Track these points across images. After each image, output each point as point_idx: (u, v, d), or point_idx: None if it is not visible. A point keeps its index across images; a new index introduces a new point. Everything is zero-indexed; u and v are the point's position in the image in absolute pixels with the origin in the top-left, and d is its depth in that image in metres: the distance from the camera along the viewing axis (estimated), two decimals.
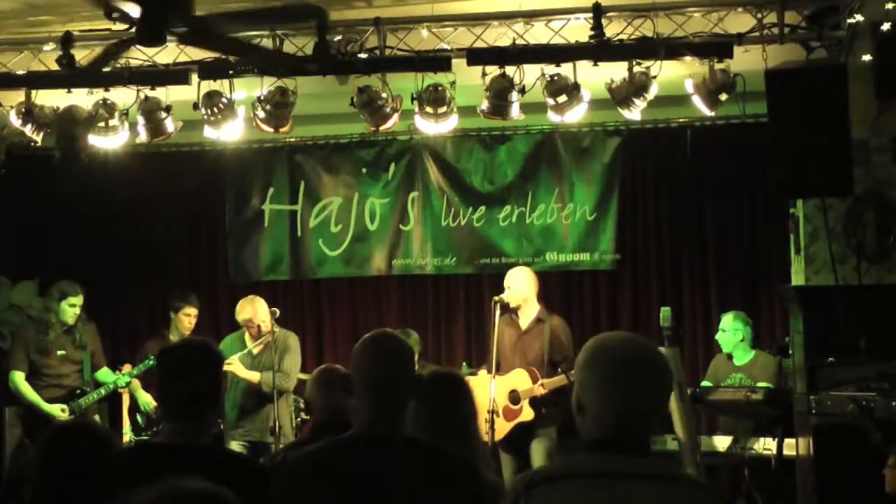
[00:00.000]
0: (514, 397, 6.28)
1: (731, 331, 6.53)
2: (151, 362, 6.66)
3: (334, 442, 2.65)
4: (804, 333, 5.39)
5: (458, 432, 3.09)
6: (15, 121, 6.33)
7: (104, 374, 6.97)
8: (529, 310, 6.46)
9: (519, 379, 6.29)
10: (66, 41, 5.87)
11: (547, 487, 2.10)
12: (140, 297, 8.04)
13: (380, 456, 2.56)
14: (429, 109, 5.90)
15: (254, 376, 6.50)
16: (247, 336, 6.72)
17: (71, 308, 6.78)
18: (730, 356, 6.57)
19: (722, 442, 6.13)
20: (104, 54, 5.25)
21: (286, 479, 2.60)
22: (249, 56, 5.68)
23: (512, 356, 6.38)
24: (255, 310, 6.63)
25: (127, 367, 6.87)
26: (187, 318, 7.13)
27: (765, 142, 5.49)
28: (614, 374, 2.11)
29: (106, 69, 5.89)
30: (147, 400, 6.91)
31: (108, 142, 6.33)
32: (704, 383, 6.60)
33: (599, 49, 5.58)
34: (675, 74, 5.77)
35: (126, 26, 4.74)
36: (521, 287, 6.40)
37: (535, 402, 6.24)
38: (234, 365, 6.52)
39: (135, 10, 4.39)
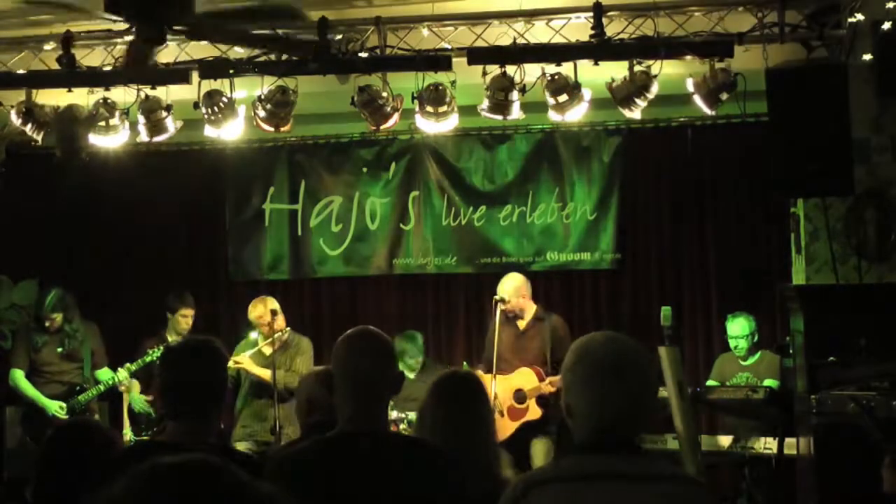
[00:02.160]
0: (520, 397, 6.28)
1: (748, 335, 6.52)
2: (149, 358, 6.68)
3: (318, 441, 2.65)
4: (805, 333, 5.39)
5: (475, 433, 3.10)
6: (15, 120, 6.32)
7: (104, 373, 6.98)
8: (527, 311, 6.47)
9: (525, 378, 6.29)
10: (67, 40, 5.87)
11: (542, 490, 2.11)
12: (140, 297, 8.02)
13: (364, 453, 2.56)
14: (429, 108, 5.90)
15: (265, 373, 6.51)
16: (259, 338, 6.74)
17: (54, 318, 6.84)
18: (738, 356, 6.59)
19: (723, 441, 6.13)
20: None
21: (272, 479, 2.59)
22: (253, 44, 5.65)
23: (511, 356, 6.38)
24: (266, 308, 6.65)
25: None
26: (184, 320, 7.14)
27: (765, 141, 5.49)
28: (597, 376, 2.12)
29: (106, 68, 5.90)
30: (139, 399, 6.90)
31: (109, 141, 6.33)
32: (710, 382, 6.61)
33: (600, 48, 5.57)
34: (675, 74, 5.77)
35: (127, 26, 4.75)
36: (515, 296, 6.40)
37: (541, 401, 6.24)
38: (245, 362, 6.56)
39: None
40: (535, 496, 2.10)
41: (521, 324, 6.48)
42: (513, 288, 6.44)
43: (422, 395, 3.27)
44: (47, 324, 6.86)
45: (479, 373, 6.31)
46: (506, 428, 6.15)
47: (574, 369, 2.17)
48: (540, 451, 6.24)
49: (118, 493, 1.01)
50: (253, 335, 6.82)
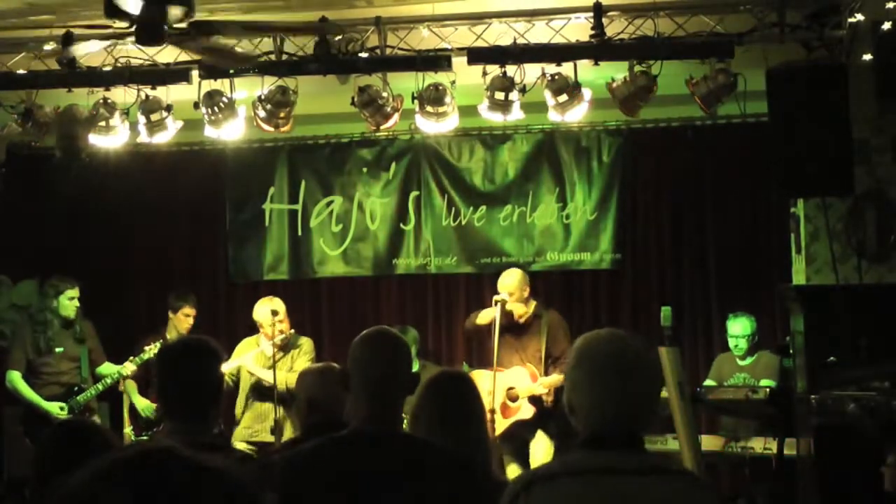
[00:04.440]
0: (513, 395, 6.30)
1: (749, 335, 6.51)
2: (151, 353, 6.67)
3: (331, 440, 2.65)
4: (805, 333, 5.39)
5: (468, 432, 3.10)
6: (15, 120, 6.33)
7: (106, 367, 6.96)
8: (526, 307, 6.48)
9: (518, 377, 6.30)
10: (67, 41, 5.86)
11: (544, 486, 2.12)
12: (140, 297, 8.04)
13: (378, 453, 2.56)
14: (429, 109, 5.90)
15: (266, 374, 6.50)
16: (262, 338, 6.74)
17: (70, 302, 6.81)
18: (737, 356, 6.58)
19: (722, 441, 6.13)
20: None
21: (280, 479, 2.59)
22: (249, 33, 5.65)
23: (510, 353, 6.40)
24: (270, 310, 6.64)
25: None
26: (186, 319, 7.13)
27: (765, 141, 5.49)
28: (601, 375, 2.14)
29: (106, 68, 5.90)
30: (145, 405, 6.91)
31: (109, 141, 6.33)
32: (708, 382, 6.60)
33: (600, 48, 5.58)
34: (675, 74, 5.77)
35: (126, 26, 4.74)
36: (518, 292, 6.41)
37: (534, 400, 6.25)
38: (247, 361, 6.55)
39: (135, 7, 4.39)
40: (538, 492, 2.10)
41: (521, 321, 6.48)
42: (512, 284, 6.44)
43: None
44: (68, 311, 6.80)
45: (481, 370, 6.36)
46: (498, 425, 6.18)
47: (577, 367, 2.18)
48: (539, 450, 6.24)
49: (74, 486, 1.02)
50: (256, 338, 6.83)
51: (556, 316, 6.52)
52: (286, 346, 6.70)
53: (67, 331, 6.86)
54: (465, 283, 7.82)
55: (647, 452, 2.18)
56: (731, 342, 6.60)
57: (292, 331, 6.76)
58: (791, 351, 5.66)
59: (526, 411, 6.26)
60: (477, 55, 5.74)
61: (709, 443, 6.06)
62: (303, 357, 6.67)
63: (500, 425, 6.21)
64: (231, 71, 5.89)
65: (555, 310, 6.66)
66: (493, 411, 5.93)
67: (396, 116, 6.04)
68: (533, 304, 6.52)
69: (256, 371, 6.58)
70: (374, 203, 7.79)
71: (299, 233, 7.88)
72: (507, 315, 6.47)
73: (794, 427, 5.52)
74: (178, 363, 2.86)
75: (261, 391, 6.63)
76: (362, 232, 7.81)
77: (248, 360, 6.61)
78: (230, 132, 6.18)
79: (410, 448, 2.68)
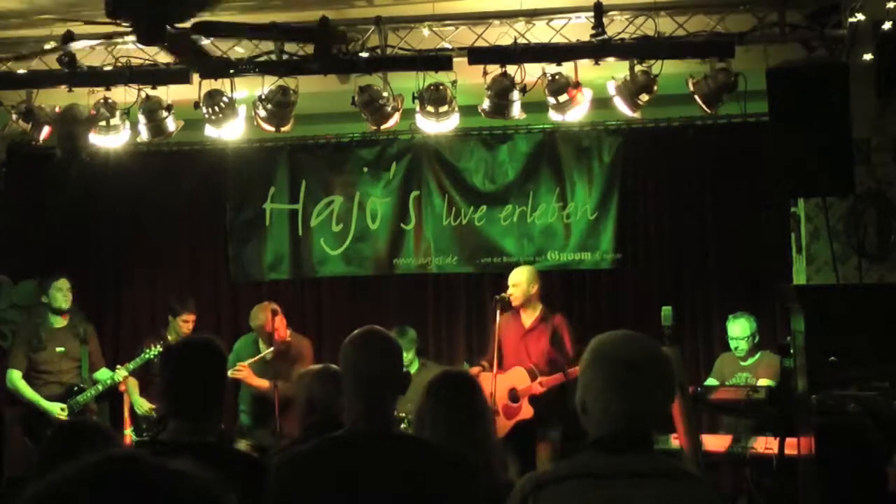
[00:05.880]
0: (514, 395, 6.30)
1: (748, 336, 6.52)
2: (146, 356, 6.68)
3: (326, 441, 2.65)
4: (805, 333, 5.39)
5: (473, 432, 3.10)
6: (15, 120, 6.33)
7: (102, 373, 6.97)
8: (532, 308, 6.49)
9: (518, 377, 6.31)
10: (68, 40, 5.87)
11: (555, 488, 2.11)
12: (140, 297, 8.04)
13: (373, 454, 2.56)
14: (430, 108, 5.90)
15: (263, 383, 6.48)
16: (261, 342, 6.72)
17: (60, 292, 6.82)
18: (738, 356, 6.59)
19: (723, 441, 6.13)
20: None
21: (277, 480, 2.59)
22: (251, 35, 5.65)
23: (514, 355, 6.40)
24: (268, 316, 6.62)
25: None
26: (185, 325, 7.12)
27: (765, 141, 5.50)
28: (617, 377, 2.12)
29: (107, 68, 5.91)
30: (142, 403, 6.91)
31: (109, 141, 6.34)
32: (710, 382, 6.60)
33: (601, 48, 5.58)
34: (675, 74, 5.77)
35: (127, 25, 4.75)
36: (524, 285, 6.43)
37: (534, 401, 6.26)
38: (245, 372, 6.53)
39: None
40: (548, 494, 2.10)
41: (526, 322, 6.49)
42: (524, 277, 6.48)
43: (415, 394, 3.27)
44: (60, 302, 6.81)
45: (478, 369, 6.36)
46: (502, 426, 6.17)
47: (593, 368, 2.16)
48: (545, 454, 6.24)
49: (40, 491, 1.03)
50: (254, 338, 6.81)
51: (562, 320, 6.52)
52: (285, 352, 6.64)
53: (69, 330, 6.87)
54: (466, 283, 7.82)
55: (657, 454, 2.18)
56: (732, 344, 6.60)
57: (289, 330, 6.74)
58: (791, 351, 5.66)
59: (527, 411, 6.27)
60: (477, 55, 5.74)
61: (709, 443, 6.06)
62: (301, 362, 6.62)
63: (504, 427, 6.21)
64: (231, 70, 5.89)
65: (560, 313, 6.66)
66: (496, 413, 5.93)
67: (397, 116, 6.05)
68: (540, 306, 6.52)
69: (255, 382, 6.55)
70: (375, 203, 7.79)
71: (300, 233, 7.88)
72: (515, 318, 6.48)
73: (795, 426, 5.52)
74: (183, 363, 2.86)
75: (261, 396, 6.62)
76: (362, 232, 7.81)
77: (246, 370, 6.57)
78: (230, 132, 6.18)
79: (404, 447, 2.68)
